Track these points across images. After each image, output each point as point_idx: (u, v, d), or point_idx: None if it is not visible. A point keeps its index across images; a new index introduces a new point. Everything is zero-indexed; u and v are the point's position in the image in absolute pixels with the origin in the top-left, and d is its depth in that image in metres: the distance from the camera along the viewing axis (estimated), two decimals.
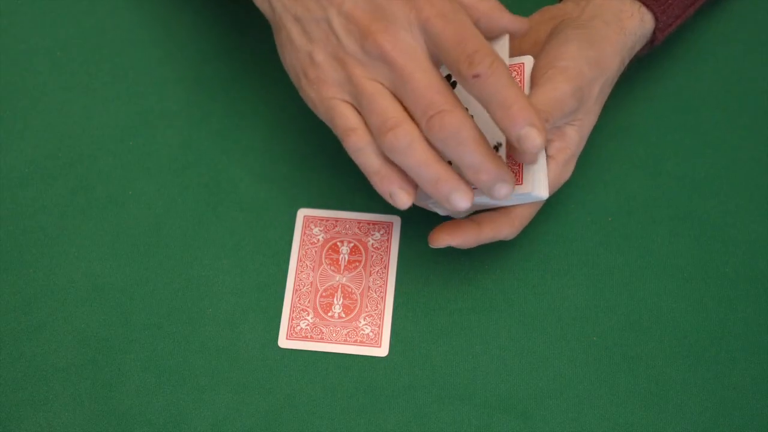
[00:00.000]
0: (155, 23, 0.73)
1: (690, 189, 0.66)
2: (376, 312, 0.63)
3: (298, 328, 0.62)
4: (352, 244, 0.65)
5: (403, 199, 0.54)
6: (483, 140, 0.52)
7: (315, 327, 0.62)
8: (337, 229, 0.65)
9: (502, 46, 0.57)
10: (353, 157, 0.55)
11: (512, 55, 0.60)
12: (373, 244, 0.65)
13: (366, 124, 0.54)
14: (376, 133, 0.53)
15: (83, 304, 0.64)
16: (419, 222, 0.65)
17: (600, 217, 0.66)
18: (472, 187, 0.54)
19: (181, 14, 0.74)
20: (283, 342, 0.62)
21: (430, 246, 0.59)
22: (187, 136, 0.69)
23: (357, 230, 0.65)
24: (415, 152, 0.52)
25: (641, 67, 0.69)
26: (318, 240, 0.65)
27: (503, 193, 0.52)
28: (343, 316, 0.63)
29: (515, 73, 0.59)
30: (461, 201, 0.53)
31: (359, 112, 0.54)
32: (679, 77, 0.70)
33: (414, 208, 0.66)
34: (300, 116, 0.70)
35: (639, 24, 0.63)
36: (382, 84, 0.53)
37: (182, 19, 0.73)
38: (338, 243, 0.65)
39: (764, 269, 0.64)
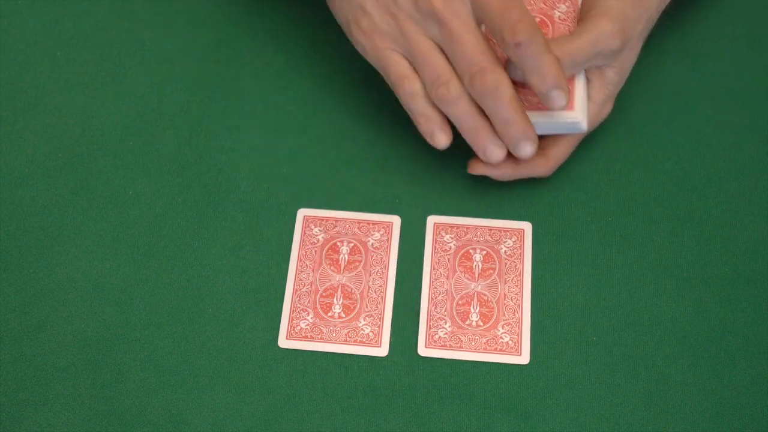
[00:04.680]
0: (155, 23, 0.73)
1: (690, 189, 0.66)
2: (376, 312, 0.63)
3: (298, 328, 0.62)
4: (352, 244, 0.65)
5: (442, 140, 0.61)
6: (517, 100, 0.58)
7: (315, 327, 0.62)
8: (337, 229, 0.65)
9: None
10: (404, 100, 0.61)
11: None
12: (373, 244, 0.65)
13: (416, 72, 0.60)
14: (429, 85, 0.59)
15: (83, 304, 0.64)
16: (419, 222, 0.65)
17: (600, 217, 0.66)
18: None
19: (181, 14, 0.74)
20: (283, 342, 0.62)
21: (469, 172, 0.64)
22: (187, 136, 0.69)
23: (357, 230, 0.65)
24: (462, 105, 0.59)
25: (641, 67, 0.69)
26: (318, 240, 0.65)
27: (527, 152, 0.60)
28: (343, 316, 0.63)
29: (570, 3, 0.63)
30: (495, 153, 0.60)
31: (409, 62, 0.60)
32: (679, 77, 0.70)
33: (413, 209, 0.66)
34: (300, 116, 0.70)
35: None
36: (432, 40, 0.59)
37: (182, 19, 0.73)
38: (338, 243, 0.65)
39: (764, 269, 0.64)
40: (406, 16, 0.59)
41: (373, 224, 0.65)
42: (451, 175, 0.67)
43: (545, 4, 0.63)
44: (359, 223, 0.66)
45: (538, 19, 0.62)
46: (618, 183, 0.67)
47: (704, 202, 0.66)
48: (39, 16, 0.74)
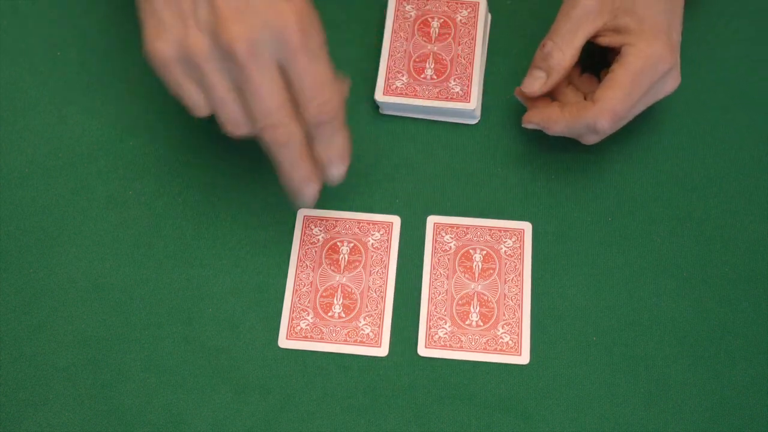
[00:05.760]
0: None
1: (690, 189, 0.66)
2: (376, 312, 0.63)
3: (298, 328, 0.62)
4: (352, 244, 0.65)
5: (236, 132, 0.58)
6: (303, 152, 0.57)
7: (315, 327, 0.62)
8: (337, 229, 0.65)
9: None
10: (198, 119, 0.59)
11: None
12: (373, 244, 0.65)
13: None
14: (220, 123, 0.58)
15: (83, 304, 0.64)
16: (419, 222, 0.65)
17: (600, 217, 0.66)
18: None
19: None
20: (283, 342, 0.62)
21: (523, 126, 0.65)
22: (187, 136, 0.69)
23: (357, 230, 0.65)
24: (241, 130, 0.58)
25: None
26: (318, 240, 0.65)
27: (309, 193, 0.59)
28: (343, 316, 0.63)
29: (471, 9, 0.69)
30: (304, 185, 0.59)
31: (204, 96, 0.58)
32: None
33: (413, 209, 0.66)
34: None
35: None
36: (229, 81, 0.56)
37: None
38: (338, 243, 0.65)
39: (764, 269, 0.64)
40: (205, 57, 0.55)
41: (373, 224, 0.65)
42: (451, 175, 0.67)
43: (448, 8, 0.69)
44: (359, 223, 0.66)
45: (441, 21, 0.68)
46: (618, 183, 0.67)
47: (704, 202, 0.66)
48: (39, 16, 0.74)
